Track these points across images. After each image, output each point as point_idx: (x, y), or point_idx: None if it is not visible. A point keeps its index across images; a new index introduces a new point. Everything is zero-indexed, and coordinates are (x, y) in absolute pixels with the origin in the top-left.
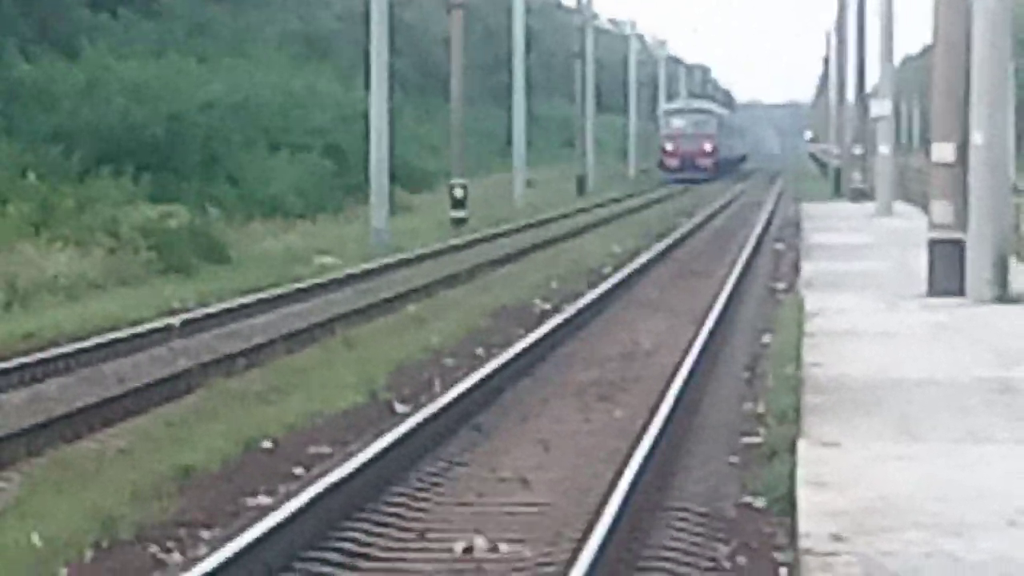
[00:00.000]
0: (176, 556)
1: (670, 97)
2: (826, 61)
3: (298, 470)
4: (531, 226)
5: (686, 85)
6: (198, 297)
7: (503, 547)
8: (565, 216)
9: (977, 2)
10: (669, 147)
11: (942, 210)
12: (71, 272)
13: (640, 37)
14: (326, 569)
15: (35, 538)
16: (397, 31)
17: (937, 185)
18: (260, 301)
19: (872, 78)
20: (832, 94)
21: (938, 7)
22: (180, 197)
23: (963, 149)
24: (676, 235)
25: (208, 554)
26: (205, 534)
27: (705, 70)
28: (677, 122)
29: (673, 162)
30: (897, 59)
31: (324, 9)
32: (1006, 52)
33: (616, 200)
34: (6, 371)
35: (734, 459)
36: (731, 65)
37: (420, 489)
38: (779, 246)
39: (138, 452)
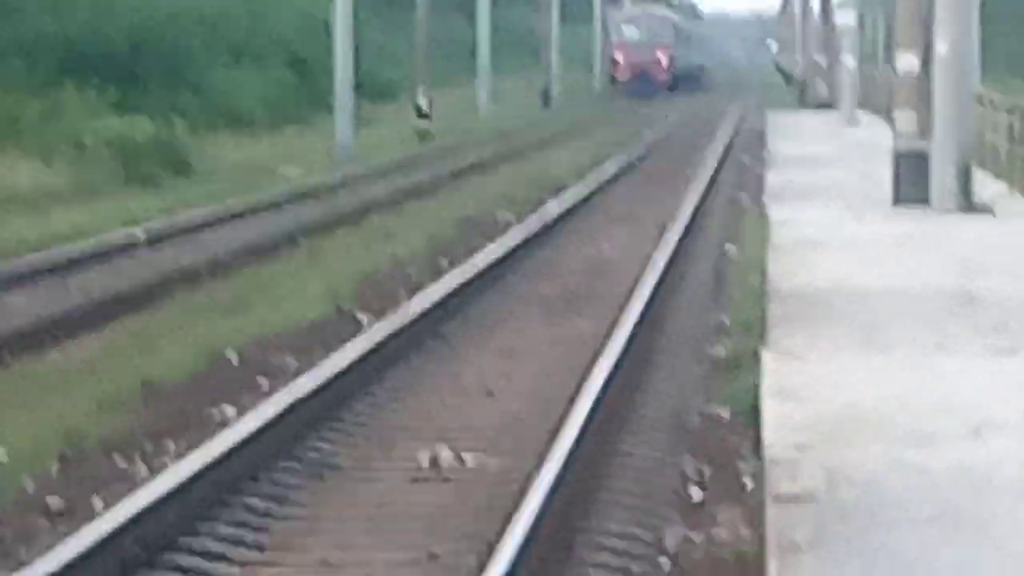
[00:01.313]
0: (142, 468)
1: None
2: None
3: (263, 382)
4: (496, 138)
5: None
6: (164, 209)
7: (468, 458)
8: (529, 128)
9: None
10: (620, 58)
11: (906, 120)
12: (36, 184)
13: None
14: (293, 480)
15: (0, 451)
16: None
17: (901, 95)
18: (225, 213)
19: None
20: (797, 5)
21: None
22: (144, 109)
23: (927, 58)
24: (639, 148)
25: (173, 465)
26: (171, 445)
27: None
28: (629, 31)
29: (625, 74)
30: None
31: None
32: None
33: (581, 112)
34: None
35: (698, 370)
36: None
37: (385, 401)
38: (744, 158)
39: (103, 364)
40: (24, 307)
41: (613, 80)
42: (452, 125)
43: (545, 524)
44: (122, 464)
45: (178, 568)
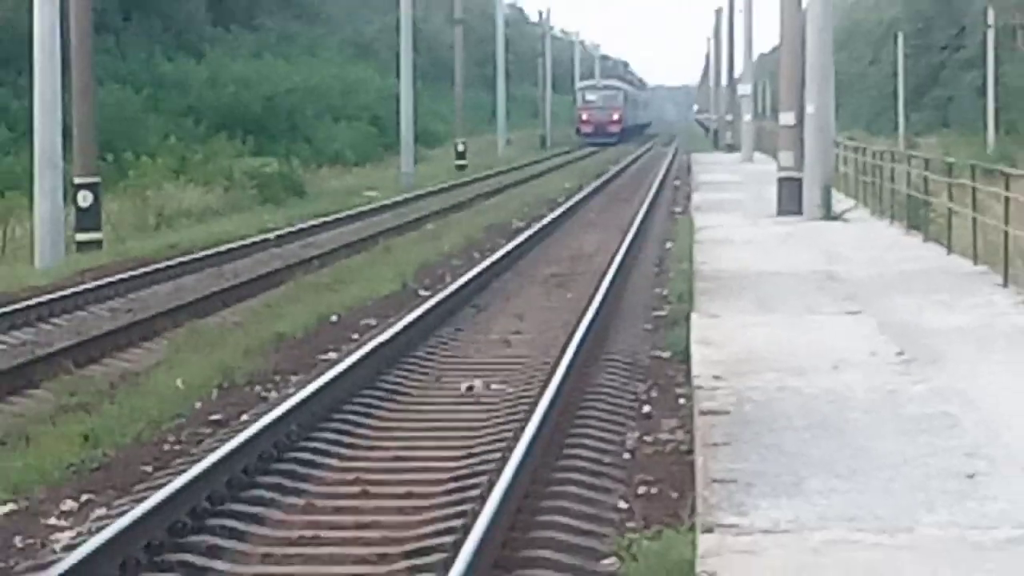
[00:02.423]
0: (274, 394)
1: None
2: (707, 57)
3: (355, 335)
4: (509, 171)
5: (612, 74)
6: (286, 220)
7: (494, 386)
8: (531, 164)
9: (809, 15)
10: (584, 116)
11: (786, 157)
12: (200, 203)
13: (581, 42)
14: (374, 401)
15: (179, 383)
16: (418, 38)
17: (783, 140)
18: (327, 222)
19: (738, 69)
20: (712, 79)
21: (783, 19)
22: (272, 152)
23: (800, 115)
24: (606, 176)
25: (295, 392)
26: (293, 379)
27: (625, 63)
28: (590, 96)
29: (588, 128)
30: (755, 55)
31: (368, 24)
32: (829, 49)
33: (566, 153)
34: (158, 270)
35: (648, 326)
36: (645, 60)
37: (436, 347)
38: (676, 182)
39: (248, 324)
40: (194, 286)
41: (578, 131)
42: (480, 162)
43: (544, 433)
44: (261, 392)
45: (298, 461)
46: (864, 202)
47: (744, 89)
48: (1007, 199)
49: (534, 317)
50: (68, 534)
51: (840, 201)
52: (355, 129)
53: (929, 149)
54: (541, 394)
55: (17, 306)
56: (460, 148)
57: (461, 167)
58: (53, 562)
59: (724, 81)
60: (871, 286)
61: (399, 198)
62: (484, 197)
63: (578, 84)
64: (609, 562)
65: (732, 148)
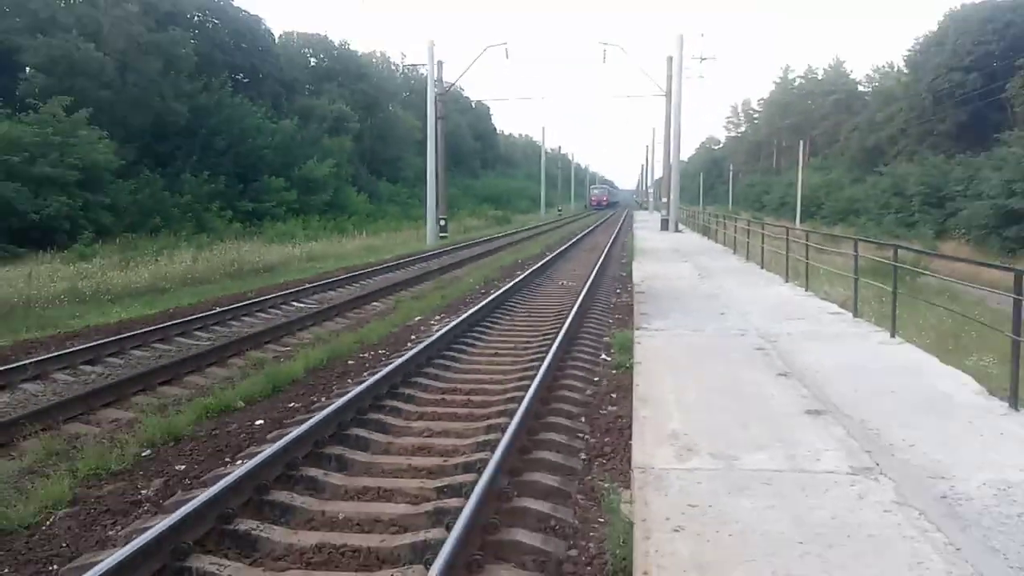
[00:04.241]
0: (500, 285)
1: (594, 183)
2: (639, 177)
3: (518, 272)
4: (574, 216)
5: (601, 182)
6: (505, 231)
7: (568, 283)
8: (582, 214)
9: (672, 165)
10: (593, 198)
11: (664, 212)
12: (476, 225)
13: (587, 169)
14: (518, 300)
15: (471, 280)
16: (547, 174)
17: (664, 207)
18: (519, 231)
19: (650, 182)
20: (643, 184)
21: (664, 167)
22: (500, 208)
23: (669, 199)
24: (600, 221)
25: (501, 288)
26: (500, 284)
27: (612, 181)
28: (595, 190)
29: (594, 202)
30: (656, 176)
31: (533, 167)
32: (677, 177)
33: (591, 212)
34: (466, 245)
35: (620, 265)
36: (619, 175)
37: (551, 269)
38: (628, 222)
39: (492, 262)
40: (478, 250)
41: (588, 205)
42: (566, 214)
43: (588, 295)
44: (482, 290)
45: (492, 322)
46: (690, 227)
47: (651, 189)
48: (730, 223)
49: (580, 263)
50: (437, 329)
51: (683, 226)
52: (527, 202)
53: (710, 209)
54: (584, 285)
55: (419, 256)
56: (559, 208)
57: (560, 215)
58: (425, 337)
59: (646, 186)
60: (690, 253)
61: (539, 223)
62: (569, 223)
63: (590, 186)
64: (608, 339)
65: (647, 210)
